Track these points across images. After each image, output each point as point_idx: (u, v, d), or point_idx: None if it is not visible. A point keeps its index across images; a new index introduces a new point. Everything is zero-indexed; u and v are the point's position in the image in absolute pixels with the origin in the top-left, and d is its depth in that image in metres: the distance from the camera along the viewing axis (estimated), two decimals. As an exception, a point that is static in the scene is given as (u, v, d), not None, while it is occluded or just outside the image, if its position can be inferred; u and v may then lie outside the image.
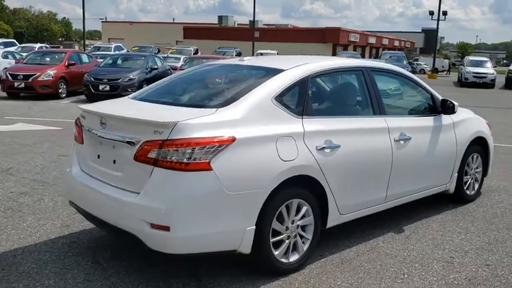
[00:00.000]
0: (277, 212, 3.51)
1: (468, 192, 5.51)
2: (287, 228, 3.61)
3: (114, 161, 3.48)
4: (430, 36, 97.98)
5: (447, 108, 4.98)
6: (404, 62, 28.40)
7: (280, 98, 3.66)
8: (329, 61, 4.34)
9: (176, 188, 3.13)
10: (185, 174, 3.12)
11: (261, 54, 32.54)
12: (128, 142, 3.33)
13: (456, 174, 5.23)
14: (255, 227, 3.35)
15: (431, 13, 37.63)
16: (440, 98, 5.07)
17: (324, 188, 3.77)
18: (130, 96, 4.31)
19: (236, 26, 58.55)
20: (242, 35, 49.30)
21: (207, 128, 3.23)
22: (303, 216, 3.71)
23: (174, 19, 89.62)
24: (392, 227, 4.69)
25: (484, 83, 27.00)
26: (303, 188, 3.67)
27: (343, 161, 3.87)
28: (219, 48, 35.98)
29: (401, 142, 4.42)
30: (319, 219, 3.83)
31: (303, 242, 3.75)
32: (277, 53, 33.36)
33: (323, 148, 3.73)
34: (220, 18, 57.42)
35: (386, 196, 4.40)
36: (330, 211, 3.88)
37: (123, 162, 3.39)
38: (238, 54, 32.30)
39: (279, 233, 3.57)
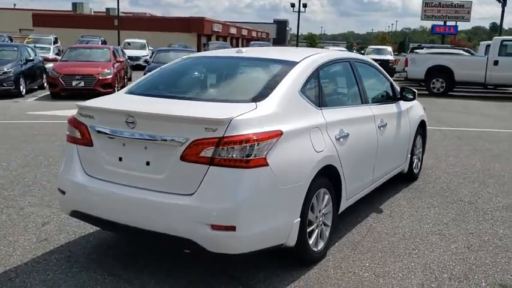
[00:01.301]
0: (311, 202, 3.57)
1: (415, 171, 6.11)
2: (316, 217, 3.69)
3: (148, 163, 3.20)
4: (282, 27, 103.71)
5: (406, 95, 5.44)
6: None
7: (304, 90, 3.70)
8: (324, 53, 4.44)
9: (238, 186, 3.01)
10: (245, 171, 3.02)
11: (129, 44, 31.27)
12: (170, 141, 3.09)
13: (409, 155, 5.76)
14: (299, 219, 3.37)
15: (293, 5, 39.79)
16: (398, 86, 5.53)
17: (340, 175, 3.91)
18: (125, 91, 3.95)
19: (93, 13, 55.23)
20: (101, 23, 46.65)
21: (257, 123, 3.14)
22: (325, 205, 3.82)
23: (15, 5, 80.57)
24: (369, 208, 5.01)
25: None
26: (326, 177, 3.77)
27: (351, 148, 4.05)
28: (82, 36, 33.69)
29: (382, 128, 4.74)
30: (336, 206, 3.97)
31: (325, 230, 3.86)
32: (147, 42, 32.42)
33: (340, 138, 3.87)
34: (74, 5, 53.40)
35: (373, 179, 4.71)
36: (342, 197, 4.04)
37: (164, 164, 3.14)
38: (104, 43, 30.58)
39: (311, 223, 3.63)
